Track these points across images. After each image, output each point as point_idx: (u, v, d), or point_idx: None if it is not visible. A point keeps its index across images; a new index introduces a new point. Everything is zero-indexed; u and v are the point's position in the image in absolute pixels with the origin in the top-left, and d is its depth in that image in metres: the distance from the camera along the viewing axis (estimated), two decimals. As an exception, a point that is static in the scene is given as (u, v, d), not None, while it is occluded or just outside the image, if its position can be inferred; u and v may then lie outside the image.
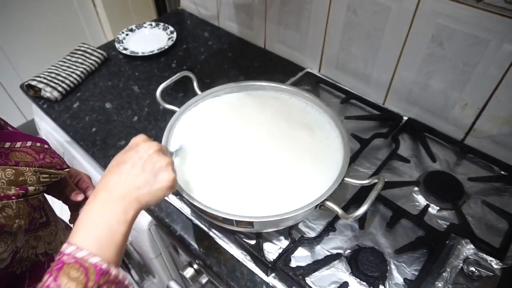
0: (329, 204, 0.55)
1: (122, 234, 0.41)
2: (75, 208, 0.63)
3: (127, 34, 1.15)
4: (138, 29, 1.17)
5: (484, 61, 0.67)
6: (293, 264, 0.60)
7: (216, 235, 0.66)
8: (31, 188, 0.44)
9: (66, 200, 0.62)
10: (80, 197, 0.60)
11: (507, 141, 0.72)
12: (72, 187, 0.61)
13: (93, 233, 0.40)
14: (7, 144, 0.47)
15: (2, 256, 0.42)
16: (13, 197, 0.42)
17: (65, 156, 0.99)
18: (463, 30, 0.66)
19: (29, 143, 0.50)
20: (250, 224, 0.54)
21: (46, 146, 0.53)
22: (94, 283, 0.36)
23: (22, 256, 0.46)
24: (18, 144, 0.48)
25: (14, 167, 0.44)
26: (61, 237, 0.57)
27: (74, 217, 0.64)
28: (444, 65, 0.72)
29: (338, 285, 0.58)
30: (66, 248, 0.38)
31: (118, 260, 0.40)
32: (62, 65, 1.00)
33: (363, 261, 0.59)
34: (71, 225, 0.65)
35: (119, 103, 0.94)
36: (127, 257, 1.31)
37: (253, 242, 0.62)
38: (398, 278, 0.59)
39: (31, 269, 0.48)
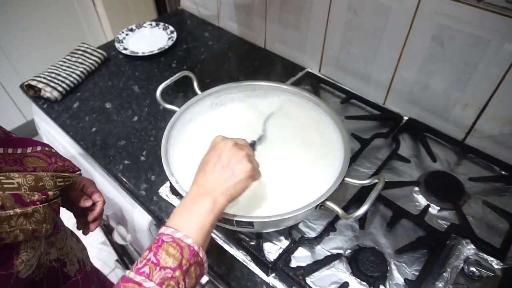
0: (330, 204, 0.55)
1: (210, 223, 0.46)
2: (82, 214, 0.63)
3: (127, 34, 1.15)
4: (138, 29, 1.17)
5: (485, 61, 0.67)
6: (293, 264, 0.60)
7: (216, 235, 0.66)
8: (50, 193, 0.45)
9: (71, 206, 0.62)
10: (88, 203, 0.61)
11: (507, 141, 0.72)
12: (78, 193, 0.61)
13: (187, 219, 0.45)
14: (19, 150, 0.47)
15: (31, 262, 0.42)
16: (37, 203, 0.42)
17: (65, 156, 0.99)
18: (464, 30, 0.66)
19: (38, 148, 0.50)
20: (251, 224, 0.54)
21: (53, 150, 0.53)
22: (187, 261, 0.42)
23: (39, 262, 0.46)
24: (29, 149, 0.49)
25: (33, 173, 0.44)
26: (70, 242, 0.57)
27: (81, 223, 0.64)
28: (445, 65, 0.72)
29: (339, 285, 0.58)
30: (165, 230, 0.44)
31: (204, 246, 0.45)
32: (62, 65, 1.00)
33: (364, 261, 0.59)
34: (77, 232, 0.65)
35: (119, 103, 0.94)
36: (127, 257, 1.31)
37: (253, 242, 0.62)
38: (398, 278, 0.59)
39: (47, 275, 0.49)
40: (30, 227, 0.40)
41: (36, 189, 0.43)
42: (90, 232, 0.64)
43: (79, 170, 0.55)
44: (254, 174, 0.51)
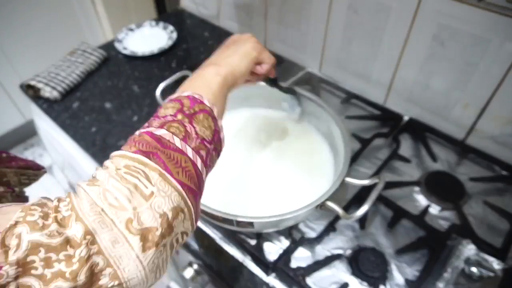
0: (330, 204, 0.55)
1: (217, 84, 0.44)
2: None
3: (127, 34, 1.14)
4: (138, 28, 1.17)
5: (486, 61, 0.66)
6: (294, 264, 0.60)
7: (216, 235, 0.66)
8: (16, 189, 0.44)
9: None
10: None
11: (508, 141, 0.72)
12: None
13: (190, 84, 0.44)
14: None
15: None
16: (4, 194, 0.41)
17: (65, 156, 0.99)
18: (465, 30, 0.66)
19: None
20: (251, 224, 0.54)
21: (11, 155, 0.51)
22: (189, 108, 0.38)
23: None
24: None
25: None
26: None
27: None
28: (445, 65, 0.72)
29: (339, 285, 0.58)
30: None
31: (215, 104, 0.41)
32: (61, 65, 1.00)
33: (364, 262, 0.59)
34: None
35: (119, 103, 0.94)
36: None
37: (253, 242, 0.62)
38: (399, 279, 0.58)
39: None
40: None
41: (0, 184, 0.42)
42: None
43: (44, 168, 0.53)
44: (257, 45, 0.52)
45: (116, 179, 0.31)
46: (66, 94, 0.95)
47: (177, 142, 0.35)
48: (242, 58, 0.49)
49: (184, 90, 0.41)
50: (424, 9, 0.69)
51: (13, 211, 0.27)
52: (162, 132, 0.35)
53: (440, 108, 0.78)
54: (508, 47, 0.62)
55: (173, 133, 0.35)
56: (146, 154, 0.33)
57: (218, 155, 0.42)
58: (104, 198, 0.29)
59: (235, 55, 0.49)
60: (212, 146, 0.39)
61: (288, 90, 0.69)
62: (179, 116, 0.37)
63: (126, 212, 0.29)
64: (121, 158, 0.33)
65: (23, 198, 0.45)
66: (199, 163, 0.36)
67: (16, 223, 0.26)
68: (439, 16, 0.68)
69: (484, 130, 0.74)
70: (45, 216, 0.27)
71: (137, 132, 0.37)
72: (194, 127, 0.37)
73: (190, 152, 0.35)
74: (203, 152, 0.37)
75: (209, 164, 0.39)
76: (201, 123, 0.38)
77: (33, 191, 0.48)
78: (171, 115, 0.37)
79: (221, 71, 0.45)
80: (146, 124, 0.37)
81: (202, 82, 0.44)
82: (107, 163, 0.33)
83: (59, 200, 0.30)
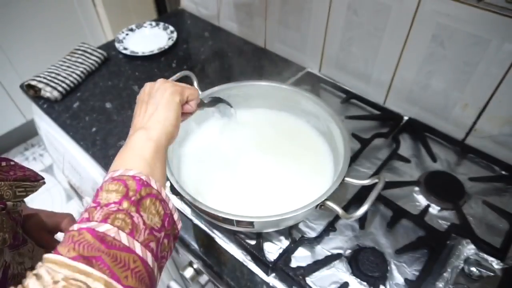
0: (330, 204, 0.55)
1: (150, 152, 0.40)
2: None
3: (127, 34, 1.15)
4: (138, 28, 1.17)
5: (485, 61, 0.67)
6: (294, 264, 0.60)
7: (216, 235, 0.66)
8: (9, 204, 0.42)
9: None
10: None
11: (508, 141, 0.72)
12: (52, 239, 0.54)
13: (122, 158, 0.40)
14: None
15: None
16: None
17: (65, 156, 0.99)
18: (464, 30, 0.66)
19: None
20: (251, 224, 0.54)
21: (12, 163, 0.48)
22: (135, 193, 0.34)
23: (13, 272, 0.43)
24: None
25: None
26: (40, 252, 0.51)
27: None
28: (445, 65, 0.72)
29: (339, 285, 0.58)
30: (104, 178, 0.38)
31: (157, 179, 0.38)
32: (62, 65, 1.00)
33: (364, 261, 0.59)
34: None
35: (119, 103, 0.94)
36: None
37: (253, 242, 0.62)
38: (398, 278, 0.59)
39: None
40: None
41: None
42: None
43: (43, 178, 0.50)
44: (177, 88, 0.48)
45: None
46: (66, 94, 0.95)
47: (124, 239, 0.31)
48: (168, 109, 0.46)
49: (117, 166, 0.38)
50: (424, 9, 0.69)
51: None
52: (105, 228, 0.31)
53: (439, 108, 0.78)
54: (508, 47, 0.63)
55: (118, 227, 0.31)
56: (88, 260, 0.29)
57: (175, 238, 0.39)
58: None
59: (159, 110, 0.45)
60: (163, 234, 0.35)
61: (213, 101, 0.66)
62: (125, 205, 0.33)
63: None
64: (57, 267, 0.28)
65: (13, 214, 0.42)
66: (149, 259, 0.32)
67: None
68: (438, 16, 0.68)
69: (483, 130, 0.74)
70: None
71: (75, 226, 0.32)
72: (141, 216, 0.33)
73: (138, 249, 0.32)
74: (153, 245, 0.33)
75: (161, 255, 0.35)
76: (148, 209, 0.35)
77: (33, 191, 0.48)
78: (115, 203, 0.33)
79: (151, 135, 0.42)
80: (86, 215, 0.33)
81: (133, 153, 0.40)
82: (41, 271, 0.28)
83: None
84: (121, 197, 0.34)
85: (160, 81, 0.49)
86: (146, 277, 0.31)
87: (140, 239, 0.32)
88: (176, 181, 0.58)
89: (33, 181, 0.48)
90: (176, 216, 0.39)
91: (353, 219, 0.54)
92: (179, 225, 0.39)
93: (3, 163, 0.46)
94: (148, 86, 0.50)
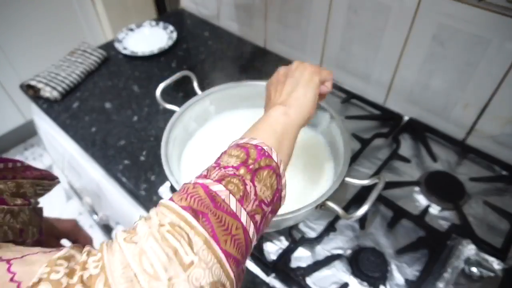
0: (330, 204, 0.55)
1: (283, 125, 0.41)
2: None
3: (127, 34, 1.14)
4: (138, 28, 1.17)
5: (486, 61, 0.66)
6: (294, 264, 0.60)
7: (216, 235, 0.66)
8: (32, 201, 0.43)
9: None
10: None
11: (508, 141, 0.72)
12: (57, 243, 0.56)
13: (254, 127, 0.41)
14: None
15: None
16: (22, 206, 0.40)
17: (65, 156, 0.99)
18: (465, 30, 0.66)
19: (10, 164, 0.47)
20: (251, 224, 0.54)
21: (25, 164, 0.50)
22: (254, 161, 0.35)
23: None
24: (1, 165, 0.45)
25: (14, 180, 0.42)
26: None
27: None
28: (445, 65, 0.72)
29: (339, 285, 0.58)
30: (230, 144, 0.39)
31: (281, 153, 0.39)
32: (61, 65, 1.00)
33: (364, 262, 0.59)
34: None
35: (119, 103, 0.94)
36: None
37: (253, 242, 0.62)
38: (399, 279, 0.58)
39: None
40: (18, 226, 0.38)
41: (17, 195, 0.41)
42: None
43: (57, 178, 0.52)
44: (315, 68, 0.49)
45: (155, 239, 0.28)
46: (66, 94, 0.95)
47: (232, 204, 0.32)
48: (308, 88, 0.46)
49: (246, 134, 0.40)
50: (424, 9, 0.69)
51: (38, 262, 0.26)
52: (218, 188, 0.32)
53: (440, 108, 0.78)
54: (508, 47, 0.62)
55: (230, 191, 0.32)
56: (196, 214, 0.30)
57: (275, 214, 0.39)
58: (139, 261, 0.27)
59: (299, 88, 0.46)
60: (270, 208, 0.36)
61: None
62: (241, 171, 0.34)
63: (160, 283, 0.26)
64: (168, 211, 0.30)
65: (37, 210, 0.44)
66: (251, 230, 0.33)
67: (40, 280, 0.25)
68: (439, 16, 0.68)
69: (484, 130, 0.74)
70: (70, 273, 0.26)
71: (193, 180, 0.34)
72: (255, 186, 0.34)
73: (244, 217, 0.32)
74: (258, 217, 0.34)
75: (262, 229, 0.35)
76: (263, 181, 0.35)
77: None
78: (233, 167, 0.34)
79: (288, 111, 0.43)
80: (205, 172, 0.35)
81: (265, 124, 0.41)
82: (151, 213, 0.31)
83: (88, 253, 0.28)
84: (240, 163, 0.35)
85: (297, 62, 0.51)
86: (244, 247, 0.32)
87: (248, 208, 0.33)
88: (176, 181, 0.58)
89: (50, 180, 0.50)
90: (283, 193, 0.39)
91: (353, 219, 0.54)
92: (283, 202, 0.39)
93: (18, 164, 0.47)
94: (283, 68, 0.51)
